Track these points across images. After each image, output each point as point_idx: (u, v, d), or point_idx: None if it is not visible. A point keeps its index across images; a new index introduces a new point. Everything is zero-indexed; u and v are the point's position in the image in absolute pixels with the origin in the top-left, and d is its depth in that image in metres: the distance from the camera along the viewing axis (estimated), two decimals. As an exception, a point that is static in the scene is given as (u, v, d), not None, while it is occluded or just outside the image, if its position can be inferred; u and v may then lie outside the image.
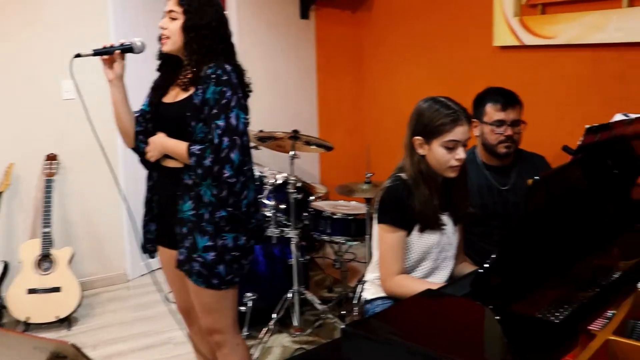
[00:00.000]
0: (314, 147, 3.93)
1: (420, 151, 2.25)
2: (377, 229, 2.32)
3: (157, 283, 2.35)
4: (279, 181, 3.73)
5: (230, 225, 2.23)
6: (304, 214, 3.75)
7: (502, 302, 1.54)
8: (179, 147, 2.24)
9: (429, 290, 1.71)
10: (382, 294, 2.35)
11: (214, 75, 2.18)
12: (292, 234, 3.55)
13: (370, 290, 2.41)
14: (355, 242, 3.79)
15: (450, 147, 2.19)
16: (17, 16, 3.98)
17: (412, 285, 2.17)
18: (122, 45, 2.33)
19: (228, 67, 2.22)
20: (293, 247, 3.55)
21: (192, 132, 2.23)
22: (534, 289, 1.66)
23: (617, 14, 3.14)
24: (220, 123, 2.16)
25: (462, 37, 4.15)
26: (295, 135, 3.66)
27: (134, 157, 2.52)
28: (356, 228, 3.72)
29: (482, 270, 1.56)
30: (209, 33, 2.25)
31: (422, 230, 2.27)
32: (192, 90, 2.25)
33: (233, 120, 2.17)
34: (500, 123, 2.72)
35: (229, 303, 2.38)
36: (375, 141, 4.39)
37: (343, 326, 1.51)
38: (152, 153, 2.35)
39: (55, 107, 4.10)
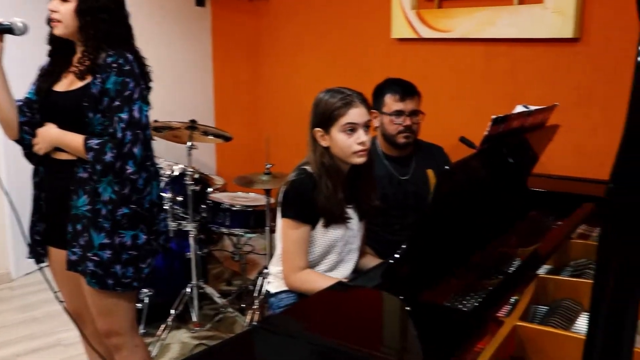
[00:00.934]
0: (212, 137, 3.83)
1: (323, 143, 2.22)
2: (280, 222, 2.28)
3: (44, 281, 2.22)
4: (176, 173, 3.62)
5: (130, 222, 2.11)
6: (202, 206, 3.66)
7: (412, 292, 1.55)
8: (74, 140, 2.09)
9: (340, 283, 1.70)
10: (287, 287, 2.31)
11: (115, 65, 2.05)
12: (189, 226, 3.45)
13: (274, 283, 2.37)
14: (254, 234, 3.75)
15: (349, 131, 2.17)
16: None
17: (316, 281, 2.14)
18: None
19: (130, 57, 2.09)
20: (191, 241, 3.45)
21: (88, 124, 2.08)
22: (441, 278, 1.68)
23: (508, 10, 3.26)
24: (124, 116, 2.03)
25: (361, 29, 4.18)
26: (192, 126, 3.55)
27: (17, 148, 2.31)
28: (255, 220, 3.68)
29: (392, 261, 1.55)
30: (107, 17, 2.10)
31: (326, 225, 2.24)
32: (88, 79, 2.09)
33: (136, 113, 2.05)
34: (399, 113, 2.76)
35: (126, 304, 2.26)
36: (274, 132, 4.34)
37: (255, 323, 1.46)
38: (41, 145, 2.17)
39: None
